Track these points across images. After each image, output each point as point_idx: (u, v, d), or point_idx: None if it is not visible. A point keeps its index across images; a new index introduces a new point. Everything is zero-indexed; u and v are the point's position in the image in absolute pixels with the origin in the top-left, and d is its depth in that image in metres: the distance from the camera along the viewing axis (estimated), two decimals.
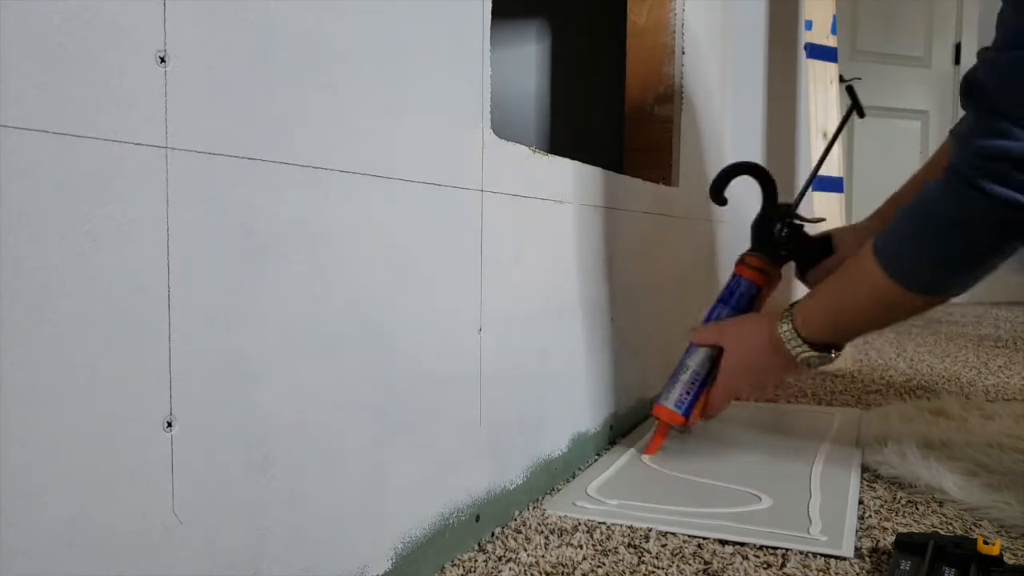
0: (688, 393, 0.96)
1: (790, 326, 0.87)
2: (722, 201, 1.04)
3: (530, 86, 1.97)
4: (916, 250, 0.75)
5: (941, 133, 3.17)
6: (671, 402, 0.97)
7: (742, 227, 1.88)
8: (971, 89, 0.68)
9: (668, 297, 1.34)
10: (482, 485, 0.74)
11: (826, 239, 1.06)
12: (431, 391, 0.66)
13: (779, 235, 1.00)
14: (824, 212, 1.94)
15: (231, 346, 0.46)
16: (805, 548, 0.71)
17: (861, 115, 1.06)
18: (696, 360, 0.97)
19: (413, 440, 0.64)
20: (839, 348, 0.89)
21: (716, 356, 0.96)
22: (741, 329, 0.94)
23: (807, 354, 0.87)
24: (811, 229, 1.07)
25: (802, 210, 1.05)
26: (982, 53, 0.70)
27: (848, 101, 1.06)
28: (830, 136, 1.92)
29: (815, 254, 1.04)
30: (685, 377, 0.97)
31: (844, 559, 0.69)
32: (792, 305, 0.89)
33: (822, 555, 0.70)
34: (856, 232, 1.04)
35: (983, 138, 0.66)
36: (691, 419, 0.97)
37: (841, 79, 1.89)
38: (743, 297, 1.00)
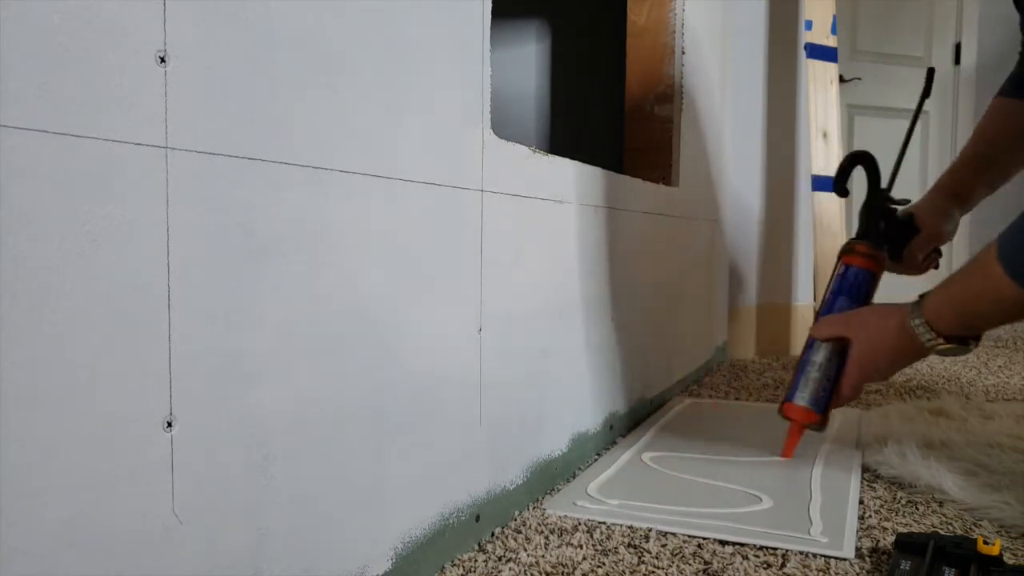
0: (823, 391, 0.95)
1: (922, 319, 0.87)
2: (845, 193, 1.03)
3: (530, 86, 1.97)
4: None
5: (941, 133, 3.17)
6: (805, 400, 0.95)
7: (741, 226, 1.89)
8: None
9: (668, 297, 1.34)
10: (482, 485, 0.74)
11: (910, 219, 1.06)
12: (431, 391, 0.66)
13: (884, 222, 1.00)
14: (824, 212, 1.94)
15: (231, 346, 0.46)
16: (805, 549, 0.71)
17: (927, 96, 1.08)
18: (822, 356, 0.96)
19: (413, 440, 0.64)
20: (976, 339, 0.88)
21: (841, 349, 0.95)
22: (868, 321, 0.94)
23: (943, 347, 0.87)
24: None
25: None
26: None
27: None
28: (831, 136, 1.92)
29: (905, 236, 1.06)
30: (815, 375, 0.95)
31: (844, 560, 0.69)
32: (922, 297, 0.89)
33: (822, 556, 0.70)
34: (934, 208, 1.06)
35: None
36: (826, 416, 0.96)
37: (841, 79, 1.89)
38: (861, 286, 0.99)
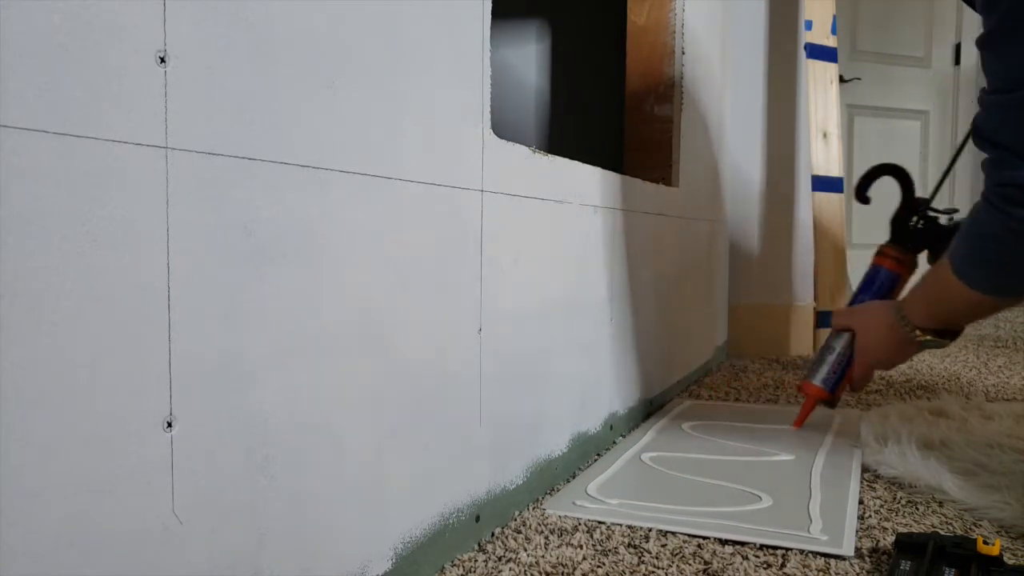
0: (834, 372, 1.08)
1: (902, 315, 0.99)
2: (866, 200, 1.14)
3: (530, 86, 1.97)
4: (973, 262, 0.85)
5: (941, 133, 3.17)
6: (819, 379, 1.09)
7: (741, 226, 1.89)
8: (978, 132, 0.78)
9: (668, 297, 1.34)
10: (482, 485, 0.74)
11: (956, 228, 1.09)
12: (431, 391, 0.66)
13: (915, 227, 1.08)
14: (824, 212, 1.94)
15: (231, 346, 0.46)
16: (805, 547, 0.71)
17: None
18: (841, 343, 1.08)
19: (413, 440, 0.64)
20: (953, 333, 0.98)
21: (853, 338, 1.07)
22: (866, 314, 1.05)
23: (922, 338, 0.98)
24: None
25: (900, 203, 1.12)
26: (981, 97, 0.78)
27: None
28: (831, 136, 1.92)
29: (946, 242, 1.10)
30: (831, 358, 1.08)
31: (844, 558, 0.69)
32: (904, 297, 1.01)
33: (822, 555, 0.70)
34: None
35: (998, 171, 0.76)
36: (836, 395, 1.09)
37: (841, 79, 1.89)
38: (883, 285, 1.09)
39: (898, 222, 1.09)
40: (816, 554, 0.70)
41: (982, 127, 0.78)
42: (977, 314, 0.95)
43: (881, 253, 1.10)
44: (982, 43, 0.75)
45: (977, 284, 0.86)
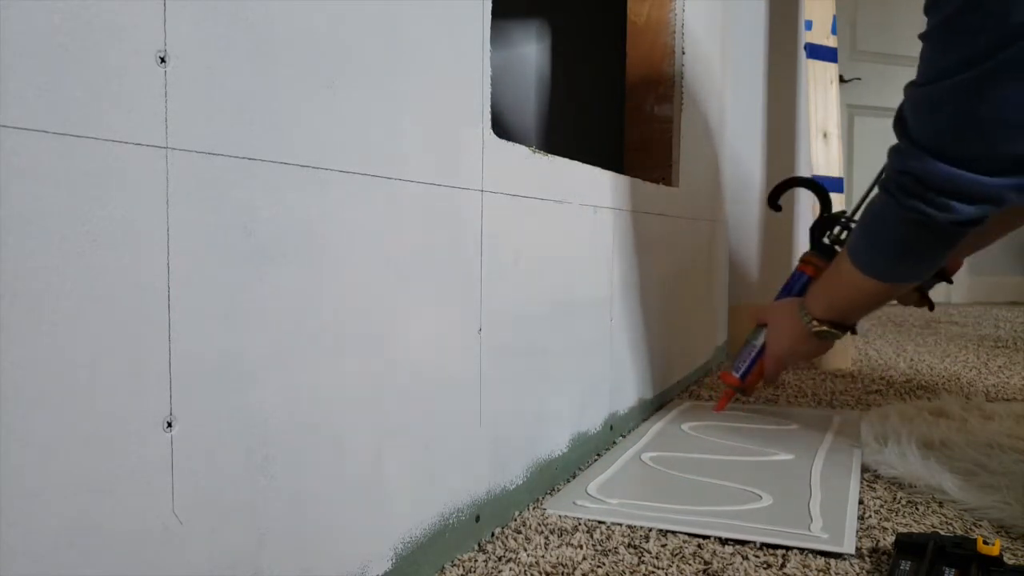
0: (745, 361, 1.15)
1: (803, 306, 1.05)
2: (777, 208, 1.25)
3: (530, 86, 1.97)
4: (868, 249, 0.90)
5: None
6: (735, 369, 1.17)
7: (741, 226, 1.89)
8: (896, 119, 0.81)
9: (668, 297, 1.34)
10: (482, 485, 0.74)
11: None
12: (431, 391, 0.66)
13: (836, 237, 1.15)
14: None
15: (231, 346, 0.46)
16: (806, 545, 0.71)
17: None
18: (755, 335, 1.16)
19: (413, 440, 0.64)
20: (849, 327, 1.04)
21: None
22: (776, 309, 1.13)
23: (818, 329, 1.03)
24: None
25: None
26: (906, 88, 0.80)
27: None
28: (831, 136, 1.92)
29: None
30: (745, 350, 1.16)
31: (845, 558, 0.69)
32: (808, 291, 1.07)
33: (822, 554, 0.70)
34: None
35: (900, 159, 0.79)
36: (747, 382, 1.15)
37: (841, 79, 1.89)
38: (803, 290, 1.14)
39: (815, 232, 1.17)
40: (816, 553, 0.70)
41: (898, 115, 0.80)
42: (871, 302, 0.98)
43: (803, 260, 1.18)
44: (924, 36, 0.76)
45: (871, 270, 0.90)
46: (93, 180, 0.38)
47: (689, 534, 0.75)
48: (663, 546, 0.72)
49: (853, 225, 1.12)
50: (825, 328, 1.02)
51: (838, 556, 0.70)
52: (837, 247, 1.14)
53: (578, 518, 0.79)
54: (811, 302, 1.04)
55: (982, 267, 3.60)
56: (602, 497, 0.85)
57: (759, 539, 0.73)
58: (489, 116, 0.74)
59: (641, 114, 1.41)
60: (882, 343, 2.14)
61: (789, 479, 0.91)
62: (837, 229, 1.15)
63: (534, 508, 0.83)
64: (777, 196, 1.24)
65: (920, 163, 0.76)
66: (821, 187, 1.22)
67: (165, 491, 0.42)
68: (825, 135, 1.74)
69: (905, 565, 0.65)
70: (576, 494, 0.86)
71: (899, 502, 0.85)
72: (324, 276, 0.53)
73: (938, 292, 1.24)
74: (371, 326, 0.58)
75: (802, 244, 1.94)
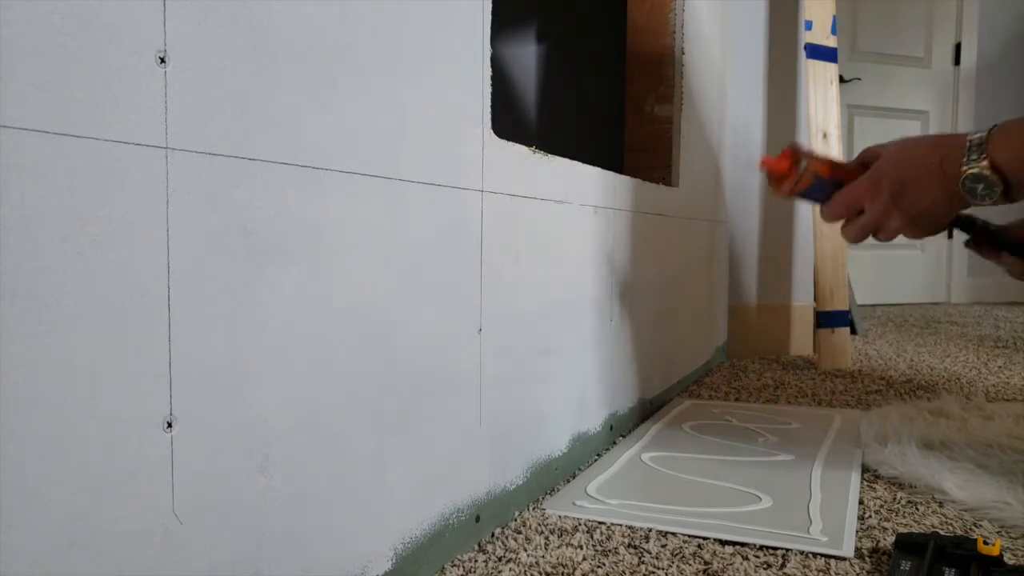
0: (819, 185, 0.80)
1: (983, 135, 0.72)
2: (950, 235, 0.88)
3: (530, 86, 1.97)
4: None
5: (941, 132, 3.17)
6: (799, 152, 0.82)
7: (741, 226, 1.89)
8: None
9: (668, 297, 1.34)
10: (482, 485, 0.74)
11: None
12: (431, 391, 0.66)
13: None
14: None
15: (231, 346, 0.46)
16: (805, 548, 0.71)
17: None
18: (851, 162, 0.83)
19: (413, 440, 0.64)
20: (1012, 197, 0.73)
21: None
22: (915, 138, 0.80)
23: (974, 169, 0.71)
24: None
25: None
26: None
27: None
28: (831, 136, 1.92)
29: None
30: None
31: (844, 559, 0.69)
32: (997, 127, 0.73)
33: (822, 555, 0.70)
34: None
35: None
36: (795, 173, 0.80)
37: (841, 79, 1.89)
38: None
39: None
40: (816, 555, 0.70)
41: None
42: None
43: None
44: None
45: None
46: (93, 180, 0.38)
47: (689, 535, 0.75)
48: (663, 546, 0.72)
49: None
50: (988, 173, 0.71)
51: (838, 557, 0.70)
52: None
53: (578, 518, 0.79)
54: (996, 138, 0.71)
55: (982, 267, 3.60)
56: (602, 497, 0.85)
57: (759, 541, 0.73)
58: (489, 116, 0.73)
59: (641, 114, 1.41)
60: (882, 343, 2.14)
61: (789, 480, 0.91)
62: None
63: (534, 508, 0.83)
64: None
65: None
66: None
67: (165, 491, 0.42)
68: (825, 135, 1.74)
69: (905, 565, 0.65)
70: (576, 494, 0.86)
71: (899, 502, 0.85)
72: (324, 276, 0.53)
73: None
74: (371, 326, 0.58)
75: (802, 244, 1.94)
